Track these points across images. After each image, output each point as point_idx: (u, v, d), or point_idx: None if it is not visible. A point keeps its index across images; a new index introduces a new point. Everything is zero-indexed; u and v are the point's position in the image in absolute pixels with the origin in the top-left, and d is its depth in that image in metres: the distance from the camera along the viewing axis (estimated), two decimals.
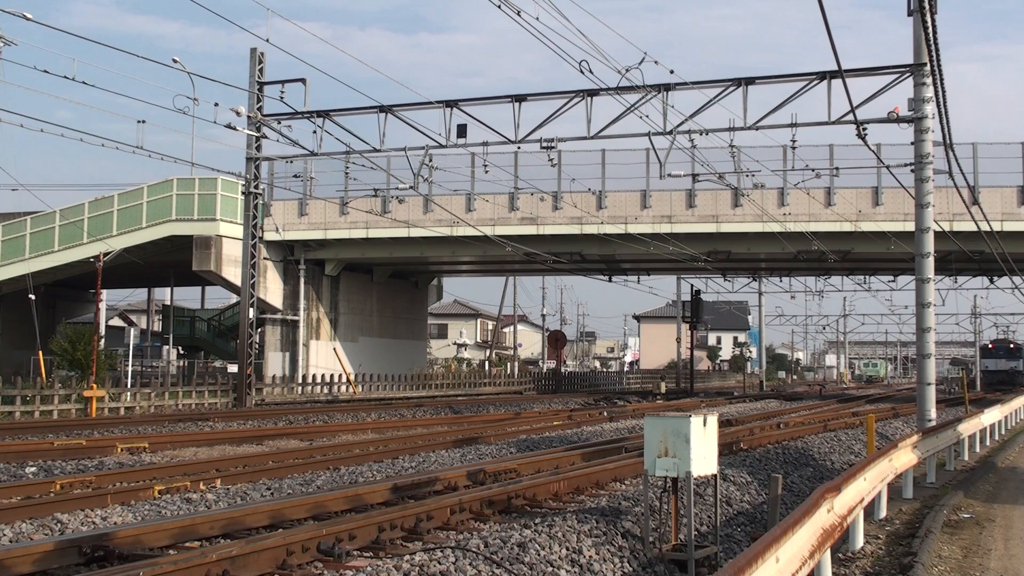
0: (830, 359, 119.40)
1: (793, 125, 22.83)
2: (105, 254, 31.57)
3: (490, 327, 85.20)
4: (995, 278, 46.41)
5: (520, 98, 25.49)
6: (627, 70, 20.53)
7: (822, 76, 22.14)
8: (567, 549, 8.46)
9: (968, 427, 18.48)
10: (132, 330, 37.69)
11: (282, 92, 28.37)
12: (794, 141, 23.84)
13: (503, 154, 35.50)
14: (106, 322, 46.84)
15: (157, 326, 54.32)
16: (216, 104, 24.05)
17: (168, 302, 49.35)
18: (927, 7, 15.20)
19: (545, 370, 60.00)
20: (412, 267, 45.64)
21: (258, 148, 31.00)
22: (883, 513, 11.60)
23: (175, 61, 25.79)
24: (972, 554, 9.72)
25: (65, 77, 19.58)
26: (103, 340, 33.15)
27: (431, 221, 36.49)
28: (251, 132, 28.94)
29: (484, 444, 19.49)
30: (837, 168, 30.85)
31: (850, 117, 20.10)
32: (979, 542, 10.33)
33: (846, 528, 8.60)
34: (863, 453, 17.71)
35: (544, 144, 24.33)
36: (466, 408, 32.23)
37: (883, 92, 21.25)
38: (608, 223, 35.25)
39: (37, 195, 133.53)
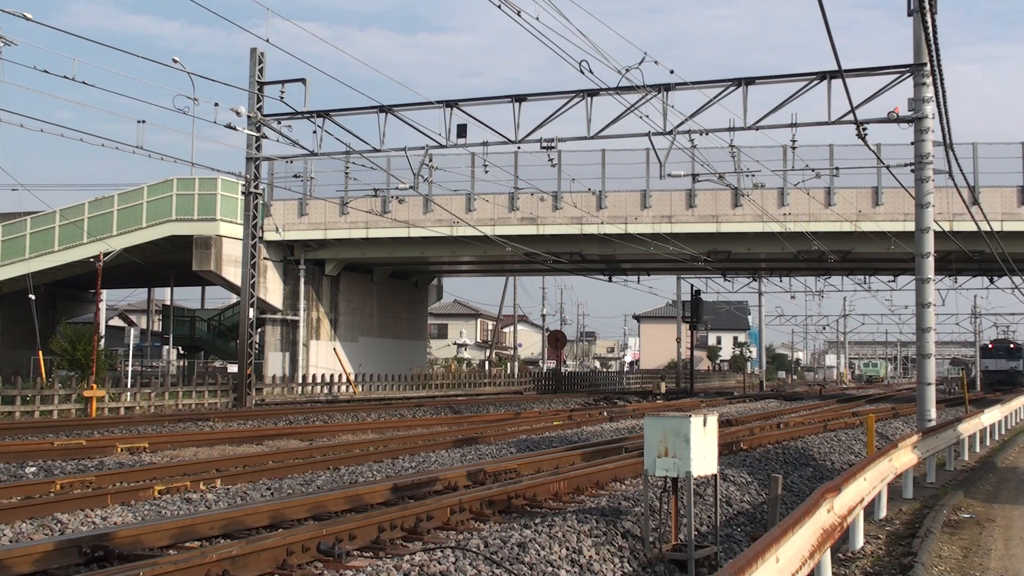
0: (830, 359, 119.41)
1: (793, 125, 22.83)
2: (105, 254, 31.57)
3: (490, 327, 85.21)
4: (995, 278, 46.41)
5: (520, 98, 25.49)
6: (627, 70, 20.54)
7: (822, 76, 22.13)
8: (567, 549, 8.46)
9: (968, 427, 18.48)
10: (132, 330, 37.70)
11: (282, 92, 28.38)
12: (794, 141, 23.83)
13: (503, 154, 35.48)
14: (106, 322, 46.84)
15: (157, 326, 54.32)
16: (216, 104, 24.06)
17: (168, 302, 49.35)
18: (927, 7, 15.19)
19: (545, 370, 59.98)
20: (412, 267, 45.64)
21: (258, 148, 31.00)
22: (883, 513, 11.60)
23: (175, 61, 25.79)
24: (972, 554, 9.72)
25: (65, 77, 19.60)
26: (103, 340, 33.14)
27: (431, 221, 36.49)
28: (251, 132, 28.93)
29: (484, 444, 19.48)
30: (837, 168, 30.83)
31: (850, 117, 20.09)
32: (979, 542, 10.33)
33: (846, 528, 8.60)
34: (863, 453, 17.72)
35: (544, 144, 24.32)
36: (466, 408, 32.23)
37: (883, 92, 21.26)
38: (608, 223, 35.25)
39: (37, 195, 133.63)
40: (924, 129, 18.67)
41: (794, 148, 24.53)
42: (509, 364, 65.76)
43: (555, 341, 56.92)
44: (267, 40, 20.45)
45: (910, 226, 22.26)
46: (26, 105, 63.72)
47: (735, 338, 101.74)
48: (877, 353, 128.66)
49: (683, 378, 63.13)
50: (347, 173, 33.82)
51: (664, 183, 31.29)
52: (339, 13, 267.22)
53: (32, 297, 34.08)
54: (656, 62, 20.52)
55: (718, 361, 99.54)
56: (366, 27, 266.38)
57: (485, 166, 31.18)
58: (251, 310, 31.57)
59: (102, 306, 37.25)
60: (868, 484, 9.97)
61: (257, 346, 36.17)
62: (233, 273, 35.04)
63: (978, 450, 20.04)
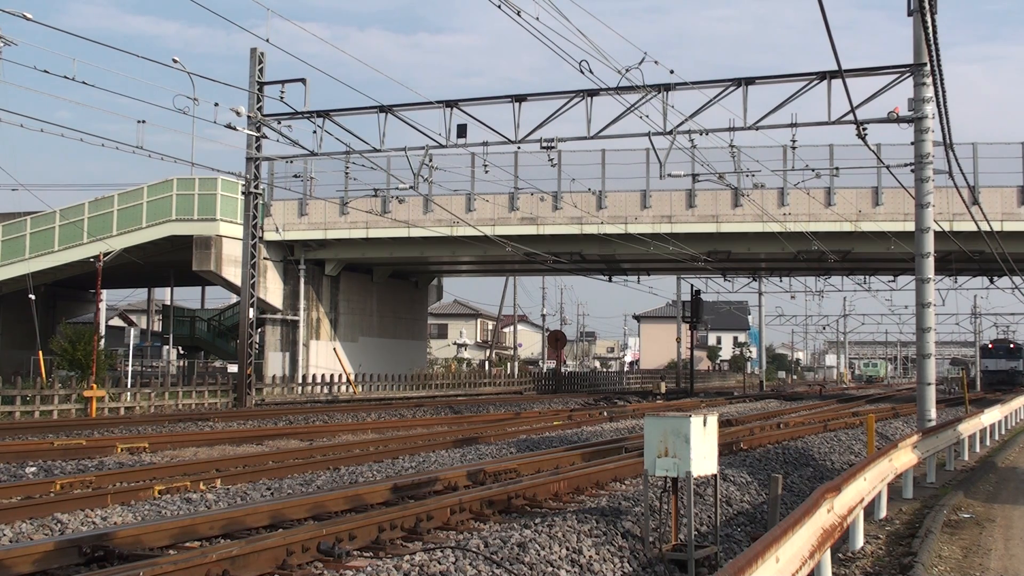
0: (830, 359, 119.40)
1: (793, 125, 22.82)
2: (105, 254, 31.57)
3: (490, 327, 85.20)
4: (995, 278, 46.41)
5: (520, 98, 25.48)
6: (627, 70, 20.53)
7: (822, 76, 22.13)
8: (567, 549, 8.46)
9: (968, 427, 18.48)
10: (132, 330, 37.66)
11: (282, 92, 28.37)
12: (794, 141, 23.82)
13: (503, 154, 35.51)
14: (106, 322, 46.84)
15: (157, 326, 54.32)
16: (216, 104, 24.05)
17: (168, 302, 49.34)
18: (927, 7, 15.19)
19: (545, 370, 59.98)
20: (412, 267, 45.63)
21: (258, 148, 31.00)
22: (883, 513, 11.60)
23: (175, 61, 25.76)
24: (972, 554, 9.72)
25: (65, 77, 19.58)
26: (103, 340, 33.13)
27: (431, 221, 36.49)
28: (251, 132, 28.93)
29: (484, 444, 19.48)
30: (837, 168, 30.82)
31: (850, 117, 20.08)
32: (979, 542, 10.32)
33: (846, 528, 8.60)
34: (863, 453, 17.72)
35: (544, 144, 24.32)
36: (466, 408, 32.22)
37: (883, 92, 21.26)
38: (608, 223, 35.25)
39: (37, 195, 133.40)
40: (924, 129, 18.67)
41: (794, 148, 24.52)
42: (509, 364, 65.75)
43: (555, 341, 56.92)
44: (267, 40, 20.44)
45: (910, 226, 22.25)
46: (26, 105, 63.80)
47: (735, 338, 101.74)
48: (877, 353, 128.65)
49: (683, 378, 63.12)
50: (347, 173, 33.83)
51: (664, 183, 31.30)
52: (339, 13, 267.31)
53: (32, 297, 34.07)
54: (656, 62, 20.53)
55: (718, 361, 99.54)
56: (366, 27, 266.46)
57: (485, 166, 31.17)
58: (251, 310, 31.57)
59: (102, 306, 37.27)
60: (868, 484, 9.97)
61: (257, 346, 36.17)
62: (233, 273, 35.04)
63: (978, 450, 20.04)
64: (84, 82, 20.39)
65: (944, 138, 20.15)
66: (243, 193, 31.84)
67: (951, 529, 10.98)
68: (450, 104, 25.48)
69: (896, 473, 11.91)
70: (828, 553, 7.59)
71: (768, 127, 23.18)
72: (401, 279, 46.48)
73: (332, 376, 37.65)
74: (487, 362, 67.57)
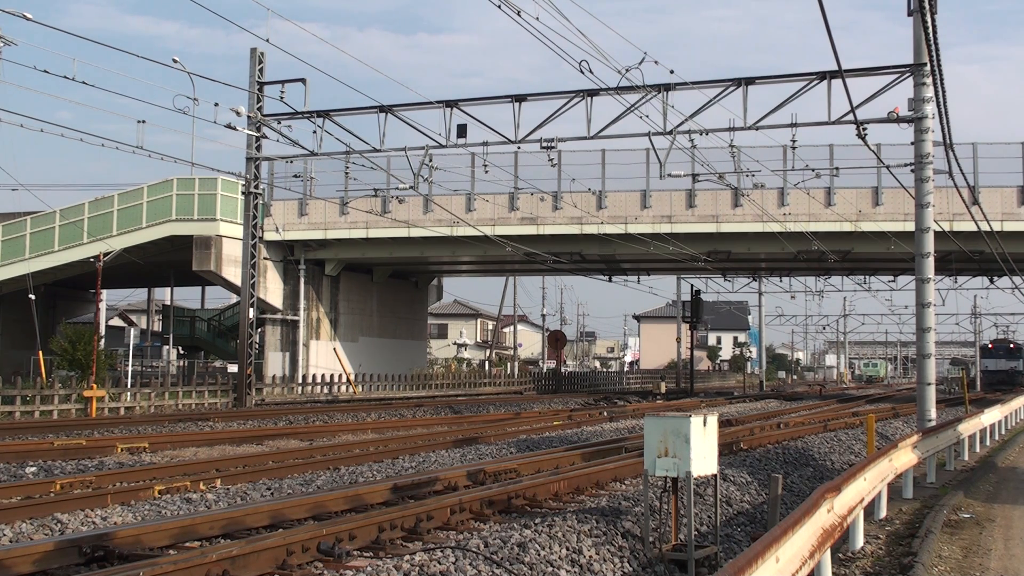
0: (830, 359, 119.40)
1: (793, 125, 22.82)
2: (105, 254, 31.56)
3: (490, 327, 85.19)
4: (995, 278, 46.41)
5: (520, 98, 25.48)
6: (627, 70, 20.53)
7: (822, 76, 22.13)
8: (567, 549, 8.46)
9: (968, 427, 18.48)
10: (132, 330, 37.68)
11: (282, 92, 28.37)
12: (794, 141, 23.81)
13: (503, 154, 35.51)
14: (106, 322, 46.83)
15: (157, 326, 54.32)
16: (216, 104, 24.08)
17: (168, 302, 49.36)
18: (927, 7, 15.19)
19: (545, 370, 59.98)
20: (412, 267, 45.64)
21: (258, 148, 30.99)
22: (883, 513, 11.60)
23: (175, 61, 25.76)
24: (972, 554, 9.71)
25: (65, 77, 19.59)
26: (103, 340, 33.14)
27: (431, 221, 36.49)
28: (251, 132, 28.92)
29: (484, 444, 19.48)
30: (837, 168, 30.84)
31: (850, 117, 20.09)
32: (979, 542, 10.33)
33: (846, 528, 8.60)
34: (863, 453, 17.71)
35: (544, 144, 24.31)
36: (466, 408, 32.22)
37: (883, 92, 21.25)
38: (608, 223, 35.25)
39: (37, 195, 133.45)
40: (924, 129, 18.67)
41: (794, 148, 24.52)
42: (509, 364, 65.76)
43: (555, 341, 56.92)
44: (267, 40, 20.41)
45: (910, 226, 22.25)
46: (26, 105, 63.83)
47: (735, 338, 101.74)
48: (877, 353, 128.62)
49: (683, 378, 63.12)
50: (347, 173, 33.83)
51: (664, 183, 31.30)
52: (339, 13, 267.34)
53: (32, 297, 34.08)
54: (656, 62, 20.53)
55: (718, 361, 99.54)
56: (365, 27, 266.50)
57: (485, 166, 31.17)
58: (251, 310, 31.56)
59: (102, 306, 37.25)
60: (868, 484, 9.96)
61: (257, 346, 36.17)
62: (233, 273, 35.04)
63: (978, 450, 20.04)
64: (84, 82, 20.42)
65: (944, 138, 20.15)
66: (243, 193, 31.84)
67: (951, 529, 10.97)
68: (450, 104, 25.47)
69: (896, 473, 11.91)
70: (828, 553, 7.59)
71: (768, 127, 23.18)
72: (401, 279, 46.48)
73: (332, 376, 37.65)
74: (487, 362, 67.56)
